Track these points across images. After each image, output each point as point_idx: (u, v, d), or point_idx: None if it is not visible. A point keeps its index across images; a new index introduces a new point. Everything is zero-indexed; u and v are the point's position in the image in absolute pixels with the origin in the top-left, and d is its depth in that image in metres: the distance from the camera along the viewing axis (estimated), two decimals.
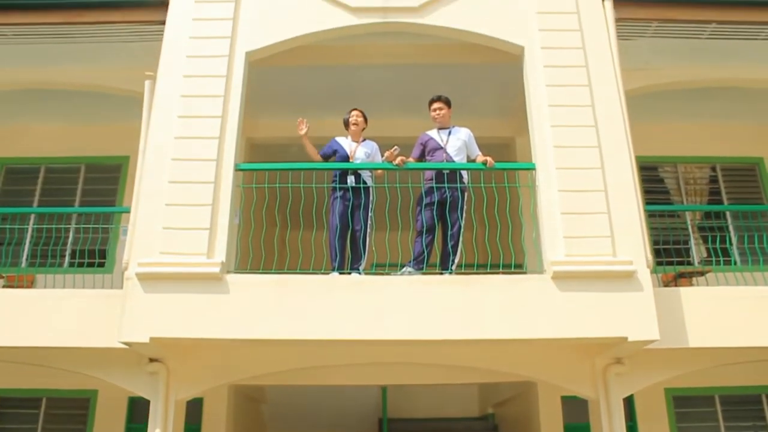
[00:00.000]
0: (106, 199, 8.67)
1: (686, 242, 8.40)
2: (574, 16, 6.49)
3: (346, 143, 6.45)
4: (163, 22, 6.57)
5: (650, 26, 6.81)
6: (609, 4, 6.58)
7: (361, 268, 6.00)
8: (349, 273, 5.89)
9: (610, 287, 5.46)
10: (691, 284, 7.02)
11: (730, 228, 8.37)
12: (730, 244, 8.05)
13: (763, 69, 7.40)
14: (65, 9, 6.72)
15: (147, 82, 6.36)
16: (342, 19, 6.50)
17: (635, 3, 6.68)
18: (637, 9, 6.67)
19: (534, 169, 6.00)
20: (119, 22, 6.75)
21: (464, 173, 6.22)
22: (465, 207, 6.10)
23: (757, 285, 6.43)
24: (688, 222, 8.57)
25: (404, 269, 5.92)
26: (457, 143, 6.29)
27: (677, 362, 5.95)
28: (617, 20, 6.57)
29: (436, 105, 6.46)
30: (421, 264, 5.97)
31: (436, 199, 6.09)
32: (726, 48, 7.16)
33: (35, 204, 8.74)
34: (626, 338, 5.29)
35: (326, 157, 6.44)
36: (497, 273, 5.67)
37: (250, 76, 6.50)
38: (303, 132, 6.31)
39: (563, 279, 5.46)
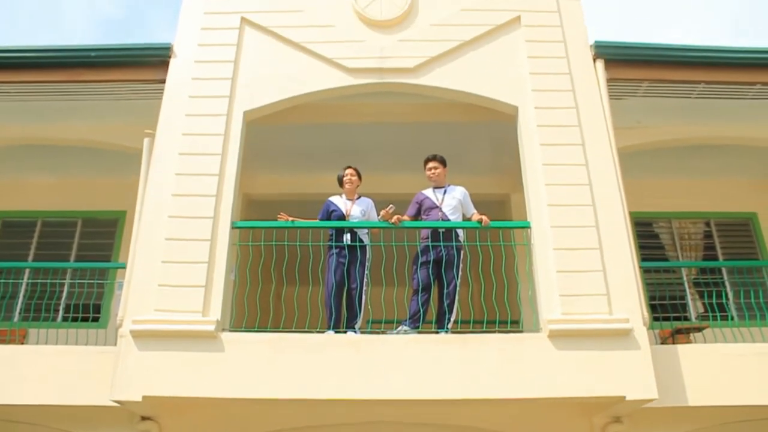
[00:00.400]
0: (103, 253, 8.64)
1: (682, 297, 8.40)
2: (567, 76, 6.63)
3: (341, 202, 6.49)
4: (163, 81, 6.70)
5: (641, 86, 6.97)
6: (600, 65, 6.73)
7: (357, 326, 5.97)
8: (345, 332, 5.85)
9: (606, 345, 5.44)
10: (688, 340, 6.99)
11: (726, 283, 8.36)
12: (727, 299, 8.04)
13: (752, 127, 7.54)
14: (67, 67, 6.85)
15: (146, 140, 6.43)
16: (339, 80, 6.64)
17: (626, 64, 6.84)
18: (627, 69, 6.83)
19: (529, 227, 6.04)
20: (120, 81, 6.87)
21: (460, 232, 6.25)
22: (461, 265, 6.11)
23: (755, 341, 6.41)
24: (684, 277, 8.57)
25: (400, 328, 5.90)
26: (453, 202, 6.34)
27: (677, 421, 5.86)
28: (609, 80, 6.71)
29: (431, 164, 6.53)
30: (417, 323, 5.95)
31: (432, 258, 6.10)
32: (715, 107, 7.32)
33: (31, 257, 8.70)
34: (624, 397, 5.24)
35: (324, 218, 6.45)
36: (493, 331, 5.64)
37: (248, 133, 6.59)
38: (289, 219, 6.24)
39: (560, 337, 5.44)
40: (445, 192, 6.43)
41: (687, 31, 36.09)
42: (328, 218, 6.41)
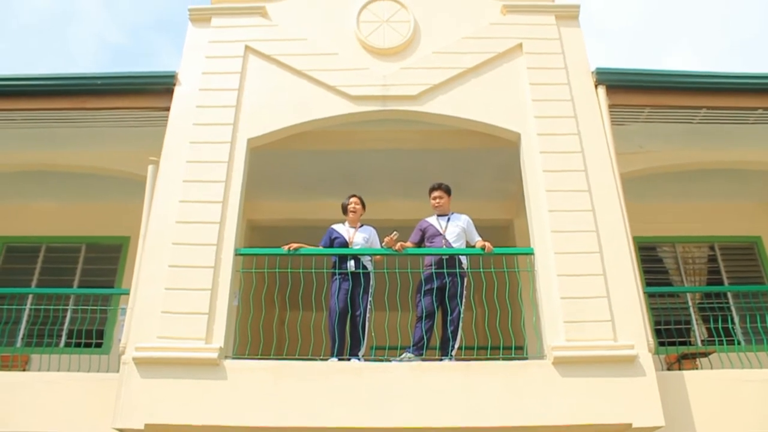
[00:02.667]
0: (106, 278, 8.64)
1: (688, 322, 8.35)
2: (569, 103, 6.67)
3: (343, 230, 6.50)
4: (168, 109, 6.76)
5: (643, 112, 7.01)
6: (602, 91, 6.77)
7: (360, 354, 5.94)
8: (349, 359, 5.82)
9: (612, 372, 5.41)
10: (695, 366, 6.93)
11: (732, 308, 8.32)
12: (733, 324, 7.99)
13: (755, 151, 7.57)
14: (73, 95, 6.92)
15: (150, 167, 6.46)
16: (343, 107, 6.70)
17: (627, 90, 6.89)
18: (629, 95, 6.87)
19: (532, 254, 6.04)
20: (125, 108, 6.93)
21: (463, 259, 6.23)
22: (465, 292, 6.09)
23: (762, 366, 6.34)
24: (689, 302, 8.53)
25: (404, 355, 5.87)
26: (456, 230, 6.34)
27: None
28: (611, 106, 6.74)
29: (436, 194, 6.54)
30: (421, 350, 5.92)
31: (436, 285, 6.08)
32: (717, 132, 7.36)
33: (34, 282, 8.71)
34: (630, 424, 5.20)
35: (327, 247, 6.45)
36: (497, 358, 5.62)
37: (252, 159, 6.62)
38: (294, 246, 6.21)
39: (564, 364, 5.42)
40: (448, 220, 6.43)
41: (692, 52, 36.35)
42: (331, 245, 6.41)
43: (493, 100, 6.75)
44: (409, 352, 5.89)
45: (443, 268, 6.03)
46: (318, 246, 6.40)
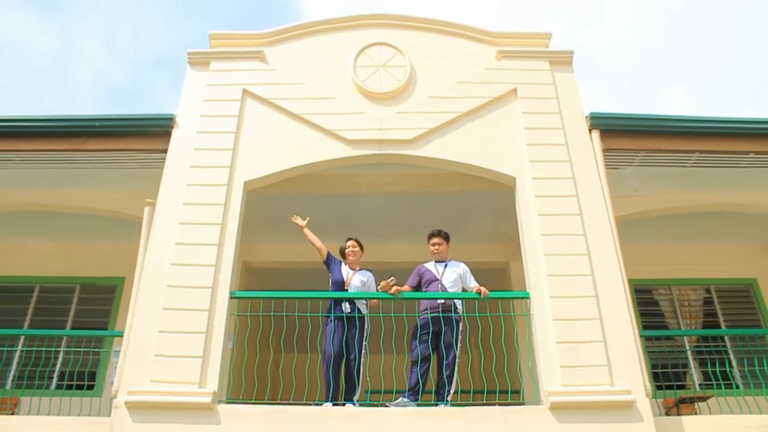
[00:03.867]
0: (100, 319, 8.56)
1: (685, 365, 8.29)
2: (563, 147, 6.74)
3: (344, 269, 6.48)
4: (165, 151, 6.80)
5: (637, 156, 7.07)
6: (596, 136, 6.85)
7: (355, 398, 5.88)
8: (344, 404, 5.76)
9: (609, 418, 5.36)
10: (693, 410, 6.87)
11: (729, 351, 8.27)
12: (731, 367, 7.94)
13: (749, 194, 7.63)
14: (71, 136, 6.95)
15: (146, 209, 6.46)
16: (339, 151, 6.76)
17: (621, 134, 6.96)
18: (623, 140, 6.94)
19: (528, 297, 6.03)
20: (123, 150, 6.96)
21: (459, 304, 6.21)
22: (460, 337, 6.06)
23: (761, 410, 6.28)
24: (686, 345, 8.49)
25: (400, 399, 5.81)
26: (453, 276, 6.33)
27: None
28: (605, 150, 6.82)
29: (435, 240, 6.54)
30: (416, 395, 5.86)
31: (432, 330, 6.05)
32: (711, 175, 7.41)
33: (27, 322, 8.62)
34: None
35: (326, 264, 6.47)
36: (494, 403, 5.56)
37: (248, 201, 6.64)
38: (303, 224, 6.48)
39: (561, 410, 5.37)
40: (446, 266, 6.43)
41: (688, 95, 36.86)
42: (330, 280, 6.40)
43: (489, 144, 6.81)
44: (405, 397, 5.83)
45: (439, 314, 6.01)
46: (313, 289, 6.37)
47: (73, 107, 40.63)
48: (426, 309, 6.15)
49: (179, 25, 40.22)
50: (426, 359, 6.00)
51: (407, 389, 5.91)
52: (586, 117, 7.00)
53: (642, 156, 7.06)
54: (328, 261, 6.51)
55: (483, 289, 6.06)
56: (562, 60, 7.47)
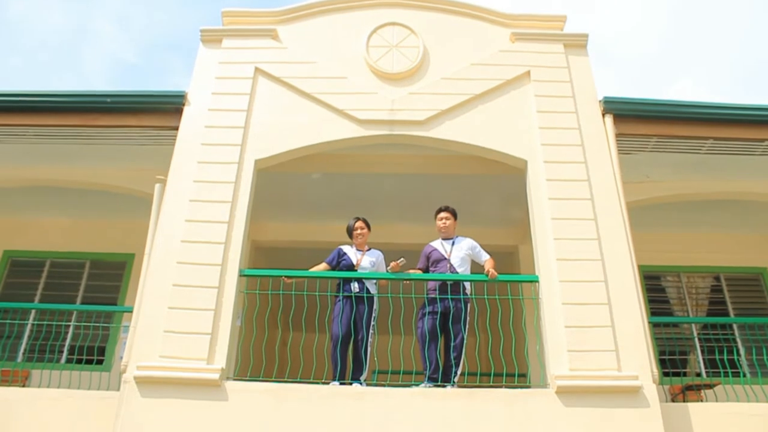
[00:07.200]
0: (110, 295, 8.65)
1: (692, 352, 8.28)
2: (576, 131, 6.69)
3: (351, 252, 6.46)
4: (176, 128, 6.79)
5: (650, 141, 7.02)
6: (609, 120, 6.80)
7: (362, 378, 5.89)
8: (351, 383, 5.78)
9: (615, 402, 5.37)
10: (699, 397, 6.86)
11: (737, 339, 8.25)
12: (738, 355, 7.92)
13: (762, 182, 7.58)
14: (84, 112, 6.97)
15: (157, 186, 6.48)
16: (350, 131, 6.73)
17: (635, 119, 6.90)
18: (636, 125, 6.88)
19: (537, 281, 6.02)
20: (134, 127, 6.97)
21: (467, 285, 6.20)
22: (468, 318, 6.05)
23: None
24: (694, 332, 8.47)
25: (422, 385, 5.76)
26: (460, 254, 6.30)
27: None
28: (618, 135, 6.76)
29: (443, 215, 6.53)
30: (435, 379, 5.82)
31: (439, 310, 6.01)
32: (725, 163, 7.36)
33: (37, 297, 8.71)
34: None
35: (332, 265, 6.42)
36: (500, 386, 5.57)
37: (258, 180, 6.64)
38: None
39: (568, 394, 5.38)
40: (453, 243, 6.41)
41: (703, 81, 36.48)
42: (338, 264, 6.38)
43: (501, 127, 6.77)
44: (426, 384, 5.81)
45: (447, 293, 6.00)
46: (323, 262, 6.39)
47: (84, 86, 40.67)
48: (434, 288, 6.12)
49: (193, 6, 40.07)
50: (434, 337, 5.99)
51: (426, 376, 5.88)
52: (600, 101, 6.94)
53: (655, 142, 7.01)
54: (333, 257, 6.43)
55: (492, 271, 6.03)
56: (577, 43, 7.39)
